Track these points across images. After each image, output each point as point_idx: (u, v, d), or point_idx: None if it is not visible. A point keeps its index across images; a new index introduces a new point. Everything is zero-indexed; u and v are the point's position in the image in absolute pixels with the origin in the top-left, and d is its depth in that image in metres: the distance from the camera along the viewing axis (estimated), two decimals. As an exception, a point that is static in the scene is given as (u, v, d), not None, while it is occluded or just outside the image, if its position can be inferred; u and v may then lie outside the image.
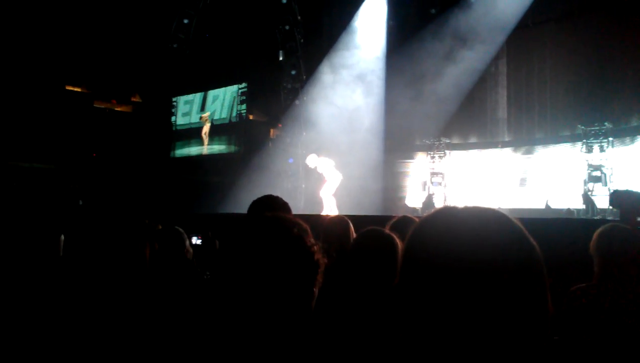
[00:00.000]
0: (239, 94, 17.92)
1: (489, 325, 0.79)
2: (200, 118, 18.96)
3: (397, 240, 2.12)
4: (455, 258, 0.80)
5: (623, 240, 2.42)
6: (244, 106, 17.81)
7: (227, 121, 18.27)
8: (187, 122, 19.53)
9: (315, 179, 15.32)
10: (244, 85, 17.83)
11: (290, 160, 17.07)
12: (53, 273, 1.92)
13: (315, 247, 1.19)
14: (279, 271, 1.11)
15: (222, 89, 18.37)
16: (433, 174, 16.66)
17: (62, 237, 2.21)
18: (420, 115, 16.07)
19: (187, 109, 19.62)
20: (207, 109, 18.84)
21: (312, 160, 12.93)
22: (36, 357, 1.47)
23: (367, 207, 14.86)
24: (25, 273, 1.94)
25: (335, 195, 13.48)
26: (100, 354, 1.48)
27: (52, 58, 16.82)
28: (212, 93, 18.80)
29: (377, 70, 16.44)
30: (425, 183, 16.80)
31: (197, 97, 19.31)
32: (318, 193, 13.11)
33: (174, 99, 19.85)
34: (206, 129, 18.78)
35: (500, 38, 15.95)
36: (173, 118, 19.85)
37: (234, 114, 17.97)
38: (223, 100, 18.42)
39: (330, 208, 12.55)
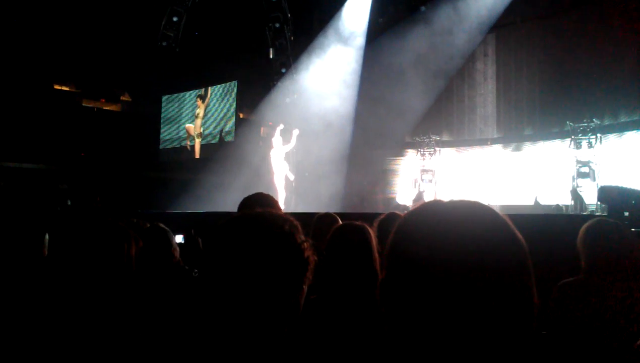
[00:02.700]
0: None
1: (474, 319, 0.78)
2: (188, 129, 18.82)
3: (370, 231, 2.14)
4: (440, 252, 0.80)
5: (610, 234, 2.43)
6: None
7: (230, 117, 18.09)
8: (175, 118, 19.44)
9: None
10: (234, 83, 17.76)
11: (281, 158, 17.04)
12: (36, 272, 1.90)
13: (306, 244, 1.18)
14: (270, 268, 1.11)
15: (227, 84, 18.18)
16: (423, 171, 16.71)
17: (47, 236, 2.18)
18: (409, 112, 16.11)
19: (175, 108, 19.54)
20: (211, 105, 18.58)
21: (277, 140, 13.32)
22: (19, 358, 1.45)
23: (356, 205, 14.89)
24: (6, 273, 1.92)
25: (289, 189, 13.72)
26: (93, 354, 1.47)
27: (40, 56, 16.67)
28: (216, 87, 18.63)
29: (364, 66, 16.47)
30: (415, 181, 16.84)
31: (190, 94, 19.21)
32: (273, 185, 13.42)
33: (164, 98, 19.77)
34: (197, 134, 18.62)
35: (490, 34, 16.04)
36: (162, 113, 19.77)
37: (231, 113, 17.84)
38: (229, 95, 18.22)
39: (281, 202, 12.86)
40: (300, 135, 14.07)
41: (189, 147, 18.71)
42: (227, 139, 17.77)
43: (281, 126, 13.74)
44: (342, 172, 15.61)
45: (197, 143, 18.59)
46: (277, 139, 13.74)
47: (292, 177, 13.65)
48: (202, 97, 18.60)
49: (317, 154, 15.24)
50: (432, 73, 15.43)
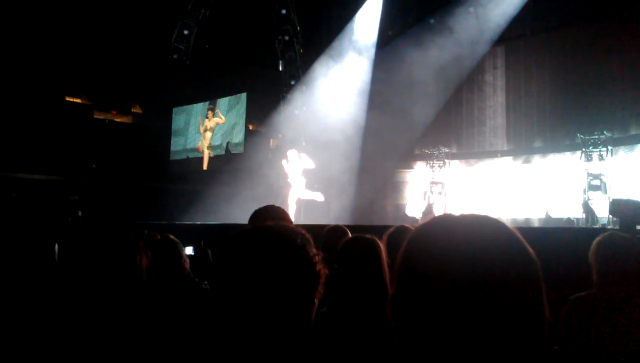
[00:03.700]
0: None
1: (486, 335, 0.78)
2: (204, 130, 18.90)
3: (380, 244, 2.14)
4: (451, 267, 0.80)
5: (622, 248, 2.42)
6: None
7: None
8: (184, 130, 19.57)
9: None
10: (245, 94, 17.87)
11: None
12: (46, 283, 1.91)
13: (317, 257, 1.18)
14: (282, 281, 1.11)
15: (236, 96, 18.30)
16: (433, 183, 16.66)
17: (57, 246, 2.20)
18: (418, 124, 16.12)
19: (184, 120, 19.68)
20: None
21: (292, 156, 13.34)
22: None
23: (366, 217, 14.86)
24: (17, 283, 1.93)
25: (300, 202, 13.73)
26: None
27: (52, 69, 16.87)
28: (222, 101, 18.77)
29: (373, 78, 16.51)
30: (425, 193, 16.79)
31: (198, 106, 19.36)
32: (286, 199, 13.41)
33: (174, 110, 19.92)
34: (207, 146, 18.71)
35: (499, 46, 16.06)
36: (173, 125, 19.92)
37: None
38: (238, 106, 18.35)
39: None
40: (309, 147, 14.08)
41: (206, 156, 18.70)
42: (235, 151, 17.85)
43: (296, 152, 13.79)
44: (352, 183, 15.60)
45: (206, 155, 18.68)
46: (292, 154, 13.79)
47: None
48: (213, 110, 18.71)
49: (325, 165, 15.25)
50: (442, 85, 15.44)
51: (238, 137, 17.92)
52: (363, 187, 15.81)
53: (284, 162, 13.86)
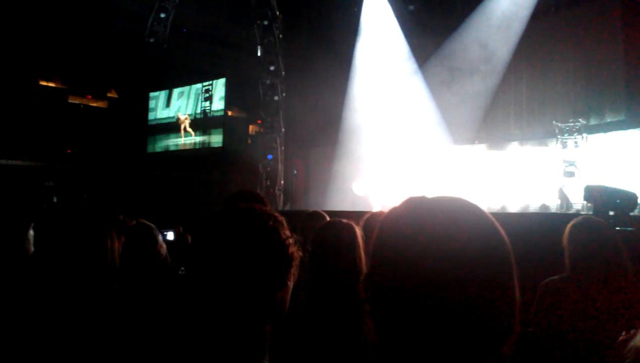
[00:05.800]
0: (203, 91, 17.78)
1: (456, 316, 0.78)
2: (177, 119, 18.65)
3: (357, 229, 2.14)
4: (421, 248, 0.80)
5: (594, 232, 2.46)
6: (207, 103, 17.68)
7: (191, 118, 18.13)
8: (154, 117, 19.36)
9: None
10: (207, 83, 17.70)
11: (270, 157, 17.01)
12: (18, 269, 1.88)
13: (290, 240, 1.18)
14: (252, 262, 1.10)
15: (187, 87, 18.23)
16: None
17: (31, 232, 2.16)
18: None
19: (153, 105, 19.44)
20: (172, 106, 18.60)
21: (359, 189, 13.09)
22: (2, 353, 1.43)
23: (349, 203, 14.91)
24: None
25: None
26: (77, 350, 1.45)
27: (25, 52, 16.48)
28: (177, 90, 18.63)
29: (348, 65, 16.49)
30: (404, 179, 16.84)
31: (162, 93, 19.13)
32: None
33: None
34: (186, 124, 18.50)
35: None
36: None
37: (199, 110, 17.82)
38: (188, 97, 18.25)
39: None
40: (288, 133, 13.99)
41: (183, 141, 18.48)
42: (215, 135, 17.71)
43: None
44: (333, 171, 15.61)
45: (185, 137, 18.53)
46: None
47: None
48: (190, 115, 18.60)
49: (305, 153, 15.24)
50: (428, 72, 15.49)
51: (217, 123, 17.73)
52: (342, 173, 15.82)
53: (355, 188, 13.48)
